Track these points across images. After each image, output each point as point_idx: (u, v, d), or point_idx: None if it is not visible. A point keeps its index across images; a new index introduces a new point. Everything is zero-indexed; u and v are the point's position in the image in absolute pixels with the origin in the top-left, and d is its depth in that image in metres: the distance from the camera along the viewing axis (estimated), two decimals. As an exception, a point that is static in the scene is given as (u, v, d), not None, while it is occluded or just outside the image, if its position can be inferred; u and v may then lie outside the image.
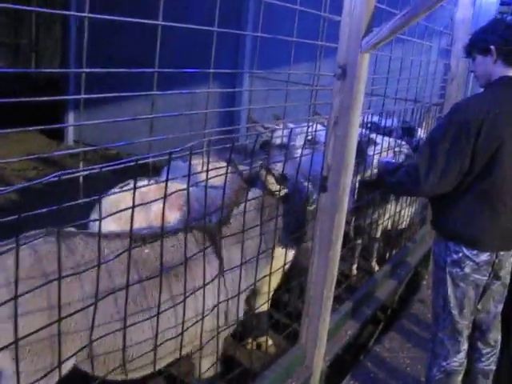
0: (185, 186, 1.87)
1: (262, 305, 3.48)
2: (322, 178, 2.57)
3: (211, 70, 2.00)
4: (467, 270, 2.71)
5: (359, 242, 5.01)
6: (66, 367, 2.20)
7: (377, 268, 5.19)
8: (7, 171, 7.78)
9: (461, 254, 2.71)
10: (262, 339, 3.81)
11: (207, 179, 2.00)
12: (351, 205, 3.49)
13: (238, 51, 7.97)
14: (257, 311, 3.60)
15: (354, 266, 5.11)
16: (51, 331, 1.82)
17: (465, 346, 2.90)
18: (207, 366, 2.68)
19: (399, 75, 4.06)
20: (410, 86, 4.48)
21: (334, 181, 2.55)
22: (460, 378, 2.94)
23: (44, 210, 1.33)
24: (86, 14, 1.39)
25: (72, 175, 1.34)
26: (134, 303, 2.29)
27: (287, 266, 3.23)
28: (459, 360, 2.89)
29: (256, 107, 2.38)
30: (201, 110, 2.02)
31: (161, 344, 2.20)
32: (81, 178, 1.42)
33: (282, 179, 2.73)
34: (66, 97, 9.32)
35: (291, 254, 3.30)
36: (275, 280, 3.40)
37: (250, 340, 3.82)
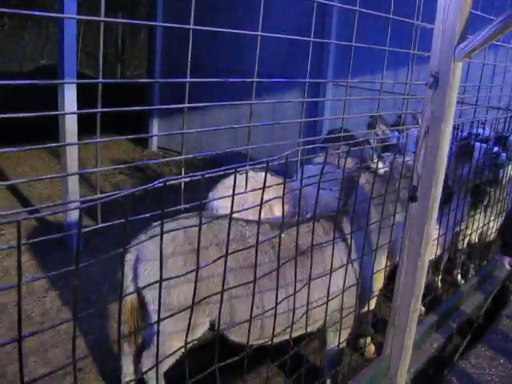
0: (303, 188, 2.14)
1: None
2: (412, 189, 2.53)
3: (307, 80, 2.01)
4: None
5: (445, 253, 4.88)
6: (203, 327, 2.78)
7: (462, 281, 5.05)
8: (94, 176, 8.09)
9: None
10: (363, 340, 3.83)
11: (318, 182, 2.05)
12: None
13: (322, 59, 7.95)
14: (362, 311, 3.63)
15: (438, 278, 4.99)
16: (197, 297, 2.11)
17: None
18: (342, 338, 3.01)
19: (491, 82, 3.94)
20: (503, 94, 4.33)
21: (423, 191, 2.51)
22: None
23: (148, 215, 1.39)
24: (190, 26, 1.43)
25: (175, 181, 1.39)
26: (271, 279, 2.62)
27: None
28: None
29: (349, 116, 2.37)
30: (293, 120, 2.04)
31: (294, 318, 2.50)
32: (182, 184, 1.47)
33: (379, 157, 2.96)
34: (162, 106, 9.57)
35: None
36: (380, 280, 3.41)
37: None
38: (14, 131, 7.44)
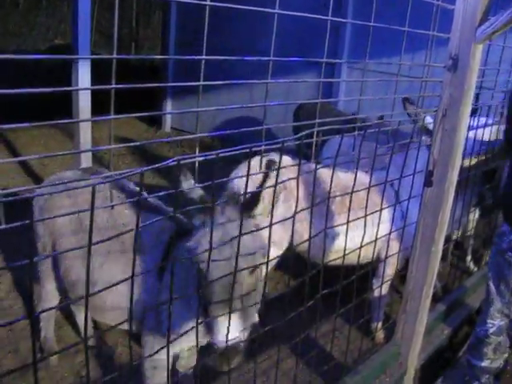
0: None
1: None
2: (428, 173, 2.50)
3: (324, 60, 1.98)
4: None
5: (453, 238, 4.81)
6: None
7: (472, 267, 5.00)
8: (107, 156, 8.08)
9: None
10: (373, 326, 3.82)
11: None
12: None
13: (338, 43, 7.85)
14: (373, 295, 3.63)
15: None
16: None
17: None
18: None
19: (511, 66, 3.87)
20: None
21: (440, 175, 2.47)
22: None
23: (162, 194, 1.37)
24: (207, 3, 1.40)
25: (190, 160, 1.37)
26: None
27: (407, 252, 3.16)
28: None
29: (365, 98, 2.34)
30: (309, 100, 2.00)
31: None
32: (197, 163, 1.45)
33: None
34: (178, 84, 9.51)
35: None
36: (393, 266, 3.38)
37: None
38: (28, 110, 7.44)
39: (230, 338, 1.77)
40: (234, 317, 1.80)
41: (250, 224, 1.87)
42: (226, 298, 1.80)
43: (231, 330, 1.77)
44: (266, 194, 1.85)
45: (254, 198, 1.90)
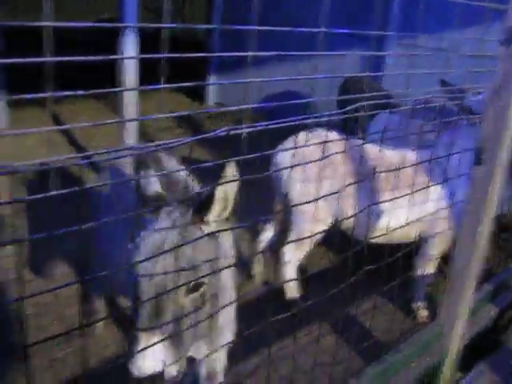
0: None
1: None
2: (478, 150, 2.43)
3: (375, 32, 1.93)
4: None
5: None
6: None
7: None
8: (152, 129, 8.11)
9: None
10: (415, 305, 3.79)
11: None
12: None
13: (387, 19, 7.67)
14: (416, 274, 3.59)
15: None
16: None
17: None
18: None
19: None
20: None
21: (490, 154, 2.41)
22: None
23: (210, 163, 1.37)
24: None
25: (238, 131, 1.36)
26: None
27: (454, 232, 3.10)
28: None
29: (417, 72, 2.28)
30: (358, 74, 1.97)
31: None
32: (244, 134, 1.43)
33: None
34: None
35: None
36: (440, 245, 3.33)
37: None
38: (74, 83, 7.53)
39: (148, 367, 1.50)
40: (159, 343, 1.50)
41: (197, 232, 1.63)
42: (152, 318, 1.54)
43: (152, 358, 1.50)
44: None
45: (207, 201, 1.63)
